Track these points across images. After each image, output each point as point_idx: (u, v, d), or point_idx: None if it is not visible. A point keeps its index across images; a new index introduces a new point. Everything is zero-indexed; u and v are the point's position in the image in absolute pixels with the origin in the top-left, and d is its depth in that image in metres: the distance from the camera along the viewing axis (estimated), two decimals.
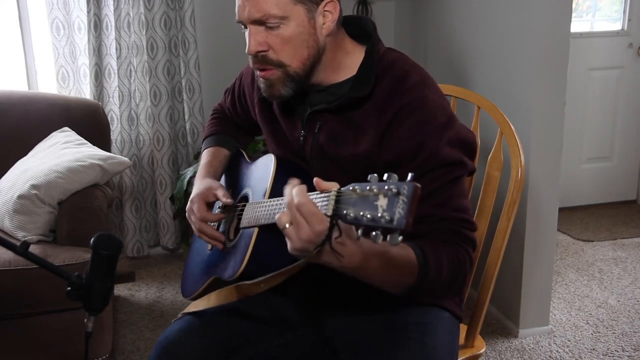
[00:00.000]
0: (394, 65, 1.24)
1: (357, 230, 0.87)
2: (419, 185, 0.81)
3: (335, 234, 0.92)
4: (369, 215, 0.82)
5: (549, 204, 2.42)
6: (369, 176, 0.86)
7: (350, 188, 0.87)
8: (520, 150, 1.50)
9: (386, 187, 0.82)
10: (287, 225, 0.95)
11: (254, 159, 1.48)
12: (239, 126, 1.63)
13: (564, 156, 2.46)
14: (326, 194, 0.93)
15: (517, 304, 2.49)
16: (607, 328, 2.54)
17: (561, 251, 3.31)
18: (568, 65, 2.30)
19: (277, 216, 0.97)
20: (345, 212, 0.87)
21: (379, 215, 0.81)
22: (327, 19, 1.21)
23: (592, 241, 3.46)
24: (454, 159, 1.17)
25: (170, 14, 2.99)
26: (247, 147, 1.68)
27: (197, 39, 3.05)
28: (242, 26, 1.23)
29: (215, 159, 1.54)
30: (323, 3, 1.19)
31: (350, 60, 1.26)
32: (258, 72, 1.25)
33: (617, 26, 3.84)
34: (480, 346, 1.51)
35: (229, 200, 1.36)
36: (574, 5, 2.39)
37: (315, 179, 0.95)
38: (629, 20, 3.79)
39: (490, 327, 2.56)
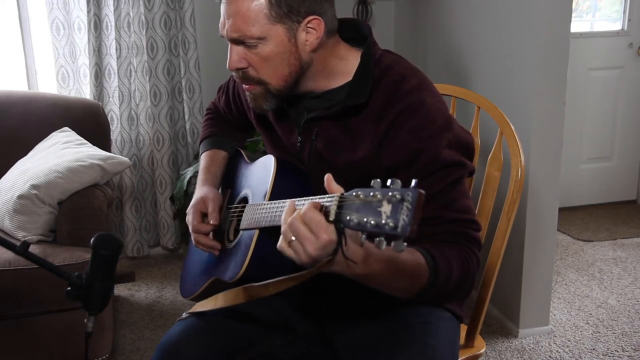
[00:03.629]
0: (390, 69, 1.23)
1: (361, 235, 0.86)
2: (423, 192, 0.80)
3: (343, 241, 0.90)
4: (372, 222, 0.81)
5: (549, 204, 2.42)
6: (372, 181, 0.85)
7: (354, 194, 0.86)
8: (520, 150, 1.50)
9: (390, 194, 0.81)
10: (293, 238, 0.93)
11: (253, 159, 1.48)
12: (235, 125, 1.63)
13: (564, 156, 2.46)
14: (329, 199, 0.91)
15: (517, 304, 2.49)
16: (607, 328, 2.54)
17: (561, 251, 3.31)
18: (568, 65, 2.30)
19: (282, 230, 0.95)
20: (348, 217, 0.85)
21: (383, 221, 0.80)
22: (310, 35, 1.18)
23: (592, 241, 3.46)
24: (454, 160, 1.16)
25: (170, 14, 2.99)
26: (245, 143, 1.67)
27: (197, 39, 3.05)
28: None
29: (214, 164, 1.55)
30: (305, 20, 1.17)
31: (344, 66, 1.25)
32: (243, 85, 1.26)
33: (617, 26, 3.84)
34: (480, 346, 1.51)
35: (214, 221, 1.38)
36: (574, 5, 2.39)
37: (327, 176, 0.94)
38: (629, 20, 3.79)
39: (490, 327, 2.56)
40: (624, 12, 3.80)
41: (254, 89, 1.24)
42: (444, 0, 2.90)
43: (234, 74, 1.25)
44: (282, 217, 0.96)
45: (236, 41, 1.18)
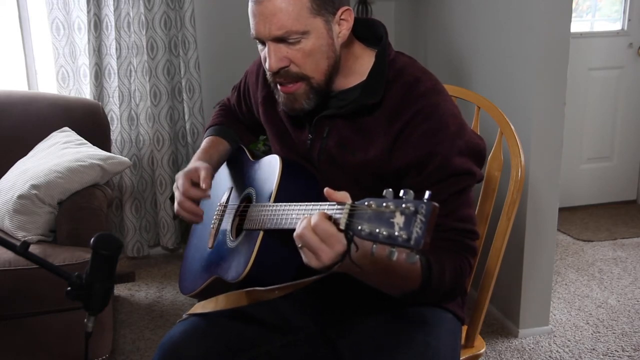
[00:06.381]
0: (404, 70, 1.23)
1: (372, 245, 0.86)
2: (437, 205, 0.79)
3: (353, 248, 0.91)
4: (385, 233, 0.81)
5: (549, 204, 2.42)
6: (385, 191, 0.85)
7: (366, 203, 0.85)
8: (520, 150, 1.50)
9: (403, 205, 0.80)
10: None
11: (257, 157, 1.47)
12: (243, 123, 1.62)
13: (564, 156, 2.46)
14: (339, 207, 0.91)
15: (517, 304, 2.49)
16: (607, 328, 2.54)
17: (561, 251, 3.31)
18: (568, 65, 2.30)
19: (295, 233, 0.95)
20: (359, 227, 0.85)
21: (396, 233, 0.80)
22: (342, 27, 1.19)
23: (592, 241, 3.46)
24: (464, 169, 1.16)
25: (170, 14, 2.99)
26: (249, 146, 1.67)
27: (197, 39, 3.05)
28: (258, 42, 1.21)
29: (213, 147, 1.52)
30: (339, 12, 1.18)
31: (359, 65, 1.25)
32: (279, 87, 1.23)
33: (617, 26, 3.84)
34: (480, 346, 1.51)
35: (205, 185, 1.32)
36: (574, 5, 2.39)
37: (326, 190, 0.94)
38: (629, 20, 3.79)
39: (490, 327, 2.56)
40: (624, 12, 3.80)
41: (298, 88, 1.21)
42: (444, 0, 2.90)
43: (269, 77, 1.23)
44: (294, 233, 0.96)
45: (278, 39, 1.17)
